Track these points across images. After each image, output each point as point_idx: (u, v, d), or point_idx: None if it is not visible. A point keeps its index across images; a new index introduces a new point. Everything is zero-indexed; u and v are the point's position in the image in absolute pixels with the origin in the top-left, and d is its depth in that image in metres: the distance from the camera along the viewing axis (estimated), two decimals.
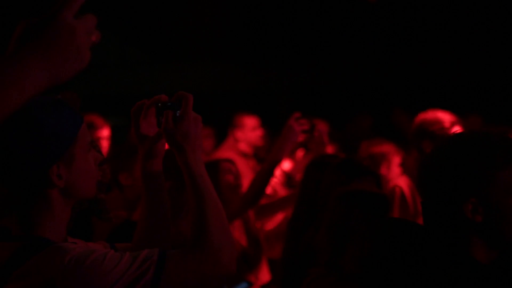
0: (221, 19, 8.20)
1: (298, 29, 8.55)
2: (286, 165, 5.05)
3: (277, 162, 3.82)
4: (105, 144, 4.92)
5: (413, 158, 5.80)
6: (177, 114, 1.86)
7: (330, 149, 5.72)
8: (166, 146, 1.96)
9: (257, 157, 6.17)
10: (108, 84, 9.90)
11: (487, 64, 8.93)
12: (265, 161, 4.01)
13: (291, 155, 5.02)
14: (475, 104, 7.36)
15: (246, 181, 4.26)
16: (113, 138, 5.18)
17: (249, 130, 5.91)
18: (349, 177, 3.07)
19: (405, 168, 5.66)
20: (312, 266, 2.73)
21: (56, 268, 1.58)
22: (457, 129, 3.88)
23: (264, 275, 4.21)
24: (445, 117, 3.92)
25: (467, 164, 1.75)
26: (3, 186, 1.65)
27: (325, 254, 2.65)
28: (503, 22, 7.85)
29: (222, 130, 6.58)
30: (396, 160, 4.82)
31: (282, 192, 4.89)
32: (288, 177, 4.94)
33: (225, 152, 5.76)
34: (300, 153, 4.97)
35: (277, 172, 4.89)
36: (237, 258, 3.56)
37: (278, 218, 4.49)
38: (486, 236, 1.77)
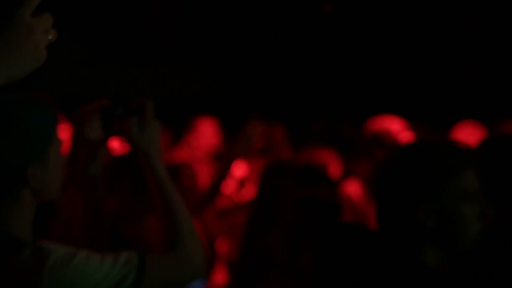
0: (175, 22, 8.19)
1: (260, 31, 8.59)
2: (242, 170, 5.06)
3: (231, 162, 3.84)
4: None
5: (362, 165, 5.86)
6: (137, 121, 1.88)
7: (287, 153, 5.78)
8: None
9: (215, 160, 6.16)
10: (63, 85, 9.78)
11: (432, 68, 9.10)
12: (220, 164, 4.03)
13: (248, 160, 5.03)
14: (421, 110, 7.48)
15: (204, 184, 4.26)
16: None
17: (204, 134, 5.85)
18: (307, 185, 3.11)
19: (356, 175, 5.72)
20: (267, 269, 2.76)
21: (41, 269, 1.56)
22: (406, 136, 3.96)
23: (220, 277, 4.22)
24: (394, 125, 3.98)
25: (419, 170, 1.79)
26: None
27: (280, 257, 2.69)
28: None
29: (179, 133, 6.57)
30: (335, 168, 4.92)
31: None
32: (243, 183, 4.96)
33: (177, 156, 5.73)
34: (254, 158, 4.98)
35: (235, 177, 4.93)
36: None
37: None
38: (437, 242, 1.80)
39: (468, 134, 4.41)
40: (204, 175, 5.42)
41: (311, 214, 2.73)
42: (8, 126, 1.62)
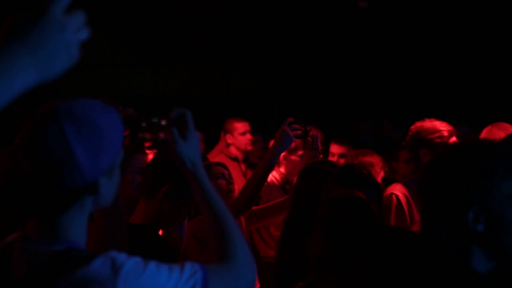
0: (214, 22, 8.18)
1: (292, 34, 8.55)
2: (280, 170, 5.06)
3: (270, 167, 3.79)
4: None
5: (403, 165, 5.83)
6: (175, 130, 1.86)
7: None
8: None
9: (248, 162, 6.20)
10: (98, 85, 9.87)
11: (479, 74, 8.96)
12: (258, 166, 3.98)
13: (285, 160, 5.03)
14: (465, 114, 7.37)
15: (236, 186, 4.23)
16: None
17: (239, 135, 6.00)
18: (348, 186, 3.04)
19: (398, 175, 5.68)
20: (306, 271, 2.73)
21: (115, 280, 1.54)
22: (454, 138, 3.93)
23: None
24: (443, 126, 3.97)
25: (469, 172, 1.72)
26: (48, 187, 1.56)
27: (318, 258, 2.66)
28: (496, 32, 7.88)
29: (213, 135, 6.60)
30: (380, 172, 4.89)
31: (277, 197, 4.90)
32: (284, 182, 4.96)
33: (215, 157, 5.79)
34: (293, 158, 4.97)
35: (273, 177, 4.92)
36: None
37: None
38: (487, 246, 1.75)
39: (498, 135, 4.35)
40: (238, 177, 5.45)
41: (340, 212, 2.68)
42: (90, 136, 1.58)
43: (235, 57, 9.61)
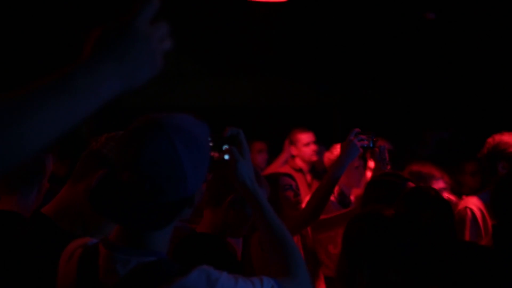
0: (278, 33, 8.21)
1: (357, 44, 8.50)
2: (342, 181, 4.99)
3: (337, 178, 3.76)
4: None
5: (470, 178, 5.72)
6: (235, 149, 1.88)
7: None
8: None
9: (314, 172, 6.17)
10: (164, 95, 10.01)
11: None
12: (325, 177, 3.96)
13: (352, 171, 4.96)
14: None
15: (303, 196, 4.23)
16: None
17: (303, 146, 5.98)
18: (418, 208, 2.99)
19: (465, 188, 5.57)
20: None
21: None
22: None
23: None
24: None
25: None
26: (152, 199, 1.58)
27: (339, 273, 2.61)
28: None
29: (275, 145, 6.61)
30: (439, 183, 4.79)
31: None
32: (340, 196, 4.90)
33: (279, 168, 5.81)
34: (350, 170, 4.89)
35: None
36: None
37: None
38: None
39: None
40: (303, 187, 5.44)
41: (364, 229, 2.60)
42: (195, 150, 1.62)
43: (298, 67, 9.62)
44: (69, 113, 1.13)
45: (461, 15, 6.96)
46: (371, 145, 3.79)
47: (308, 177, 6.06)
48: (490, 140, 3.99)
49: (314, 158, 6.06)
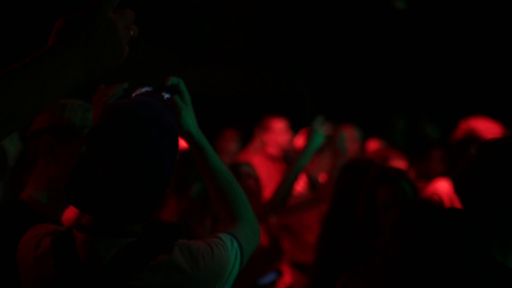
0: (250, 22, 8.21)
1: (324, 32, 8.53)
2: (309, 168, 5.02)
3: (302, 166, 3.81)
4: None
5: (436, 164, 5.78)
6: (178, 98, 1.87)
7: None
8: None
9: (287, 160, 6.12)
10: (136, 85, 9.94)
11: None
12: (290, 165, 4.01)
13: (317, 158, 4.99)
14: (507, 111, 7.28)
15: (273, 184, 4.25)
16: None
17: (278, 134, 5.81)
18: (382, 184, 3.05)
19: (432, 174, 5.64)
20: (347, 268, 2.72)
21: (197, 270, 1.64)
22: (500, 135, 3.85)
23: (287, 276, 4.21)
24: (495, 126, 3.87)
25: None
26: (135, 189, 1.60)
27: (386, 254, 2.63)
28: None
29: (246, 132, 6.57)
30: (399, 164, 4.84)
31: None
32: (311, 180, 4.94)
33: (252, 155, 5.73)
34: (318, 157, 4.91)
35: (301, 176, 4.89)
36: (259, 258, 3.56)
37: None
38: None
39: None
40: (278, 172, 5.43)
41: (422, 220, 2.64)
42: (169, 139, 1.64)
43: (269, 56, 9.62)
44: (34, 99, 1.13)
45: (429, 3, 7.02)
46: (333, 132, 3.84)
47: (280, 165, 5.98)
48: (463, 124, 3.96)
49: (288, 147, 5.90)
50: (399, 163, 4.62)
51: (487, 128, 3.86)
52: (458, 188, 1.83)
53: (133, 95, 1.84)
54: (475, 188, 1.77)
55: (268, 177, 5.13)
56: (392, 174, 3.11)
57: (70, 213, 2.61)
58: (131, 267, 1.59)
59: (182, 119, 1.88)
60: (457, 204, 1.95)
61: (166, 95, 1.86)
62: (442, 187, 4.03)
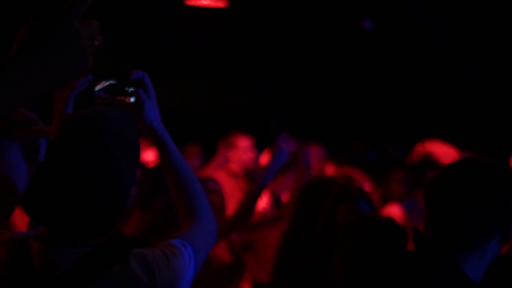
0: (216, 38, 8.23)
1: (291, 51, 8.59)
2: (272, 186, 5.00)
3: (265, 183, 3.81)
4: None
5: (396, 185, 5.83)
6: (142, 92, 1.86)
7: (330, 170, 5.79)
8: None
9: (250, 178, 6.07)
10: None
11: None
12: (254, 181, 4.01)
13: (282, 176, 4.98)
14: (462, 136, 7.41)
15: (235, 201, 4.24)
16: None
17: (242, 151, 5.71)
18: (343, 201, 3.06)
19: (392, 196, 5.68)
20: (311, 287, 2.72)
21: (153, 280, 1.64)
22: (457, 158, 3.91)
23: None
24: (452, 151, 3.93)
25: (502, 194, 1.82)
26: (91, 203, 1.59)
27: (337, 276, 2.63)
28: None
29: (210, 148, 6.54)
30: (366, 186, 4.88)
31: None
32: (274, 198, 4.93)
33: (215, 171, 5.69)
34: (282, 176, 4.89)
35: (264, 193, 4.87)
36: (220, 275, 3.54)
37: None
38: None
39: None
40: (241, 190, 5.41)
41: (372, 237, 2.65)
42: (129, 151, 1.63)
43: (235, 72, 9.65)
44: None
45: (396, 25, 7.12)
46: (298, 150, 3.86)
47: (243, 183, 5.93)
48: (419, 148, 4.00)
49: (252, 165, 5.78)
50: (364, 184, 4.66)
51: (443, 152, 3.91)
52: (429, 203, 1.86)
53: (97, 88, 1.83)
54: (446, 204, 1.82)
55: (230, 194, 5.10)
56: (353, 193, 3.13)
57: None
58: (86, 276, 1.58)
59: (144, 113, 1.86)
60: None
61: (130, 89, 1.84)
62: (394, 211, 4.07)
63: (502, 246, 1.88)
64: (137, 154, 1.67)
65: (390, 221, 2.74)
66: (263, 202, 4.73)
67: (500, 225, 1.81)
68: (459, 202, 1.80)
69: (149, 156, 5.27)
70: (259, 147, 6.16)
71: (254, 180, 4.22)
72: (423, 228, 1.90)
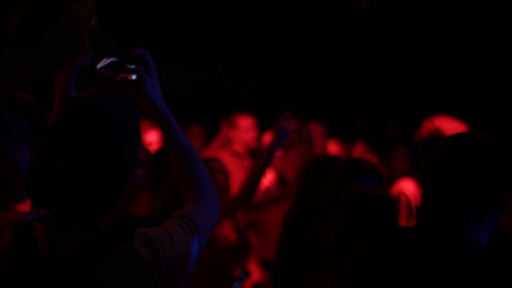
0: (216, 20, 8.20)
1: (291, 31, 8.57)
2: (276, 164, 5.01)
3: (268, 162, 3.82)
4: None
5: (399, 163, 5.83)
6: (143, 70, 1.85)
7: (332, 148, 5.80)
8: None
9: (254, 157, 6.07)
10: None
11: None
12: (257, 160, 4.01)
13: (287, 155, 4.97)
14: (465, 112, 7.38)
15: (239, 181, 4.25)
16: None
17: (244, 131, 5.72)
18: (354, 176, 3.07)
19: (395, 173, 5.68)
20: (310, 267, 2.72)
21: (158, 260, 1.65)
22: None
23: (255, 273, 4.22)
24: (460, 125, 3.89)
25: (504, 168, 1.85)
26: (96, 186, 1.62)
27: (331, 253, 2.65)
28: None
29: (212, 129, 6.52)
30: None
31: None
32: (280, 177, 4.94)
33: (218, 151, 5.69)
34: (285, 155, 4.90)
35: (269, 173, 4.88)
36: (226, 254, 3.56)
37: None
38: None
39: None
40: (245, 169, 5.41)
41: (365, 211, 2.66)
42: (130, 135, 1.67)
43: (236, 53, 9.62)
44: None
45: (394, 3, 7.09)
46: (300, 129, 3.85)
47: (246, 162, 5.94)
48: (428, 123, 3.97)
49: (255, 145, 5.81)
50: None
51: (452, 127, 3.87)
52: (429, 177, 1.86)
53: (98, 66, 1.82)
54: (448, 178, 1.82)
55: (234, 173, 5.11)
56: (365, 168, 3.14)
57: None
58: (92, 258, 1.60)
59: (146, 90, 1.86)
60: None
61: (132, 66, 1.84)
62: (408, 186, 4.06)
63: (501, 215, 1.89)
64: (137, 136, 1.69)
65: (382, 195, 2.75)
66: (267, 181, 4.74)
67: (501, 197, 1.82)
68: (465, 179, 1.81)
69: (152, 137, 5.28)
70: (262, 127, 6.15)
71: (257, 159, 4.22)
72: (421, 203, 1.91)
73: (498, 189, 1.82)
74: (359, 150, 5.10)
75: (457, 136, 1.95)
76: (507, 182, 1.84)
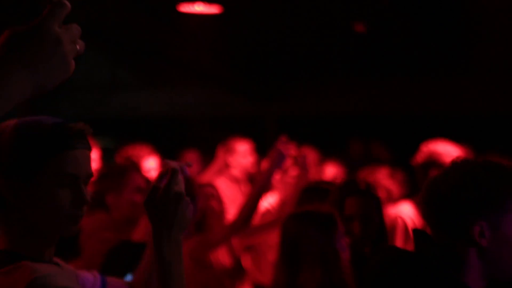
0: (213, 46, 8.23)
1: (286, 55, 8.60)
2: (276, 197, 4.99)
3: (265, 186, 3.82)
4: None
5: (399, 184, 5.82)
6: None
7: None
8: None
9: (252, 182, 6.03)
10: (98, 106, 9.91)
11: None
12: (253, 185, 4.01)
13: (281, 183, 4.97)
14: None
15: (238, 207, 4.23)
16: (102, 160, 5.14)
17: (242, 156, 5.71)
18: (346, 196, 3.08)
19: (391, 195, 5.67)
20: None
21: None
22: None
23: None
24: (455, 150, 3.91)
25: (482, 187, 1.76)
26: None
27: (281, 275, 2.63)
28: None
29: (207, 154, 6.52)
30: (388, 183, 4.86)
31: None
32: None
33: (216, 177, 5.67)
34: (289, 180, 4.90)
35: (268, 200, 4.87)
36: (222, 280, 3.53)
37: None
38: (485, 262, 1.77)
39: None
40: (243, 195, 5.39)
41: (305, 229, 2.63)
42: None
43: (233, 78, 9.66)
44: None
45: (389, 28, 7.12)
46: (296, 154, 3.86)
47: (245, 187, 5.91)
48: (424, 148, 4.00)
49: (253, 170, 5.80)
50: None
51: (446, 151, 3.90)
52: (426, 209, 1.84)
53: None
54: (440, 204, 1.79)
55: (232, 199, 5.10)
56: (361, 187, 3.14)
57: None
58: None
59: (158, 210, 1.73)
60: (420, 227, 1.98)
61: None
62: (406, 210, 4.06)
63: None
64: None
65: (317, 211, 2.73)
66: (268, 204, 4.75)
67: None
68: (462, 203, 1.79)
69: (150, 163, 5.27)
70: (258, 152, 6.14)
71: (254, 183, 4.22)
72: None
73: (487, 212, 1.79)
74: (383, 174, 5.08)
75: (457, 161, 1.93)
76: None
